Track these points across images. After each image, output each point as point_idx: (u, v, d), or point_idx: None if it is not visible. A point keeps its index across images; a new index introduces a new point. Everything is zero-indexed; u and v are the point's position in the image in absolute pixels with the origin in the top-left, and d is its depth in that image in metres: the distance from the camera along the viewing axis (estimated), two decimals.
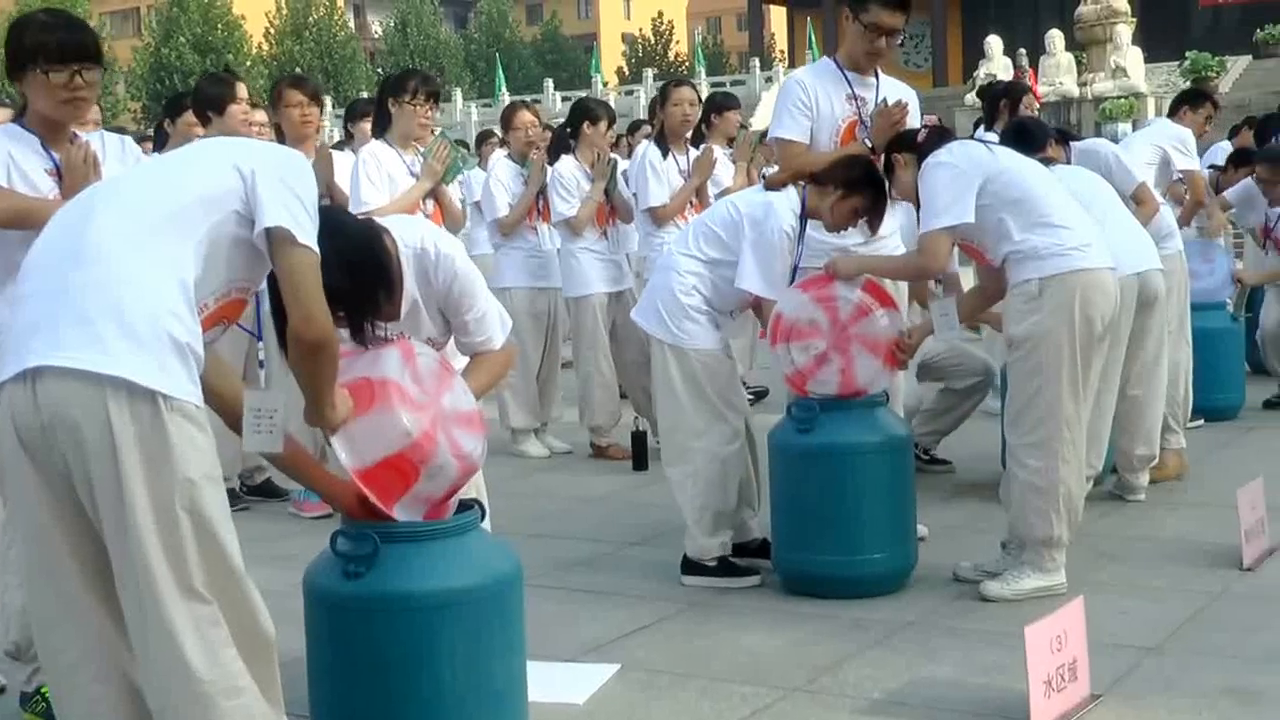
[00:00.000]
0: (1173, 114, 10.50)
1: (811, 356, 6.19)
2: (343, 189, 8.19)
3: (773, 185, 6.65)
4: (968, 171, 6.01)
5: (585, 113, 10.02)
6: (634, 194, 9.86)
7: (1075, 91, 37.10)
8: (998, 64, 38.37)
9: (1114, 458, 7.85)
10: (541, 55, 78.24)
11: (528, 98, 27.83)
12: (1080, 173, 7.81)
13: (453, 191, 8.46)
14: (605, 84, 48.05)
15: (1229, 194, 10.91)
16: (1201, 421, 9.86)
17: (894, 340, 6.28)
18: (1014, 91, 10.52)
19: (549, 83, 55.92)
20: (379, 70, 65.03)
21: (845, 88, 6.84)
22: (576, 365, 10.02)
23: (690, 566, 6.53)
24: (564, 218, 9.66)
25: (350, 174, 8.04)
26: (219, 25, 65.28)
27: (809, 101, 6.80)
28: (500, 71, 55.94)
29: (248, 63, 63.12)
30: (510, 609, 4.46)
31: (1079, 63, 38.33)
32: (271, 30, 70.12)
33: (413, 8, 70.84)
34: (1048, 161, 7.32)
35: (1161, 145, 9.94)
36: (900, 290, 6.86)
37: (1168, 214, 8.71)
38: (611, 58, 79.23)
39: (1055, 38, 37.69)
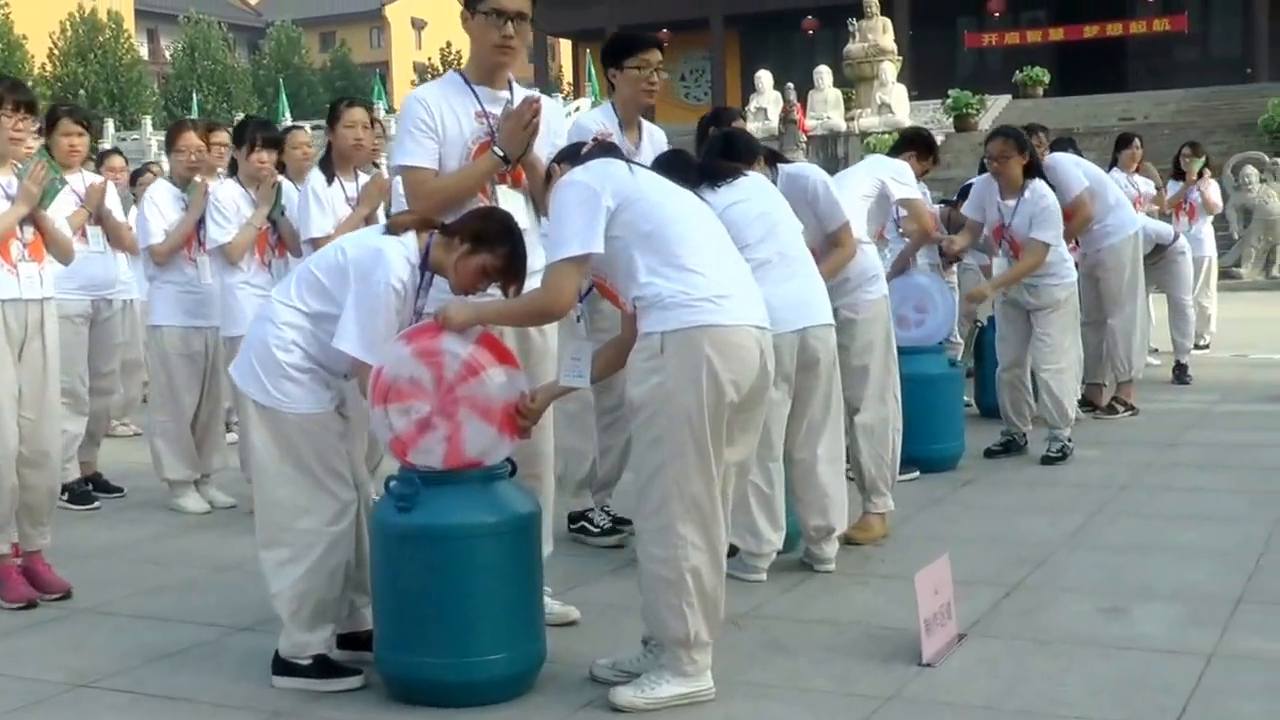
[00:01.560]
0: (896, 153, 9.59)
1: (413, 421, 4.97)
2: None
3: (396, 227, 5.47)
4: (599, 194, 4.91)
5: (251, 133, 8.79)
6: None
7: (842, 126, 37.02)
8: (768, 97, 38.52)
9: (798, 525, 6.84)
10: (331, 82, 76.12)
11: (307, 124, 26.69)
12: (768, 203, 6.81)
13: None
14: (389, 110, 46.48)
15: (970, 210, 9.96)
16: (916, 474, 8.93)
17: (512, 404, 5.11)
18: (721, 119, 9.55)
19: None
20: (169, 94, 63.66)
21: (474, 104, 5.73)
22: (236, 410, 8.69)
23: (282, 666, 5.32)
24: (217, 245, 8.44)
25: None
26: (2, 43, 63.00)
27: (432, 121, 5.66)
28: (283, 97, 54.04)
29: (30, 83, 59.70)
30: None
31: (848, 99, 38.22)
32: (55, 51, 67.97)
33: (200, 33, 69.16)
34: (733, 175, 6.45)
35: (879, 177, 8.96)
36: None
37: (873, 256, 7.67)
38: (403, 86, 77.94)
39: (824, 74, 37.94)
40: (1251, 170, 25.72)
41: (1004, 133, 9.83)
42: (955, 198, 11.76)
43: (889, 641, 5.63)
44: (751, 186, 6.58)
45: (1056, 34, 49.87)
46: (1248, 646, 5.52)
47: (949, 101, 39.09)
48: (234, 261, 8.41)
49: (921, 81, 44.57)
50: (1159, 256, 13.18)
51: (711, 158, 7.11)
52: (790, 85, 35.54)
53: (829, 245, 7.25)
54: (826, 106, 37.58)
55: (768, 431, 6.13)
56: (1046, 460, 9.38)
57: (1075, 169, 11.12)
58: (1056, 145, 12.93)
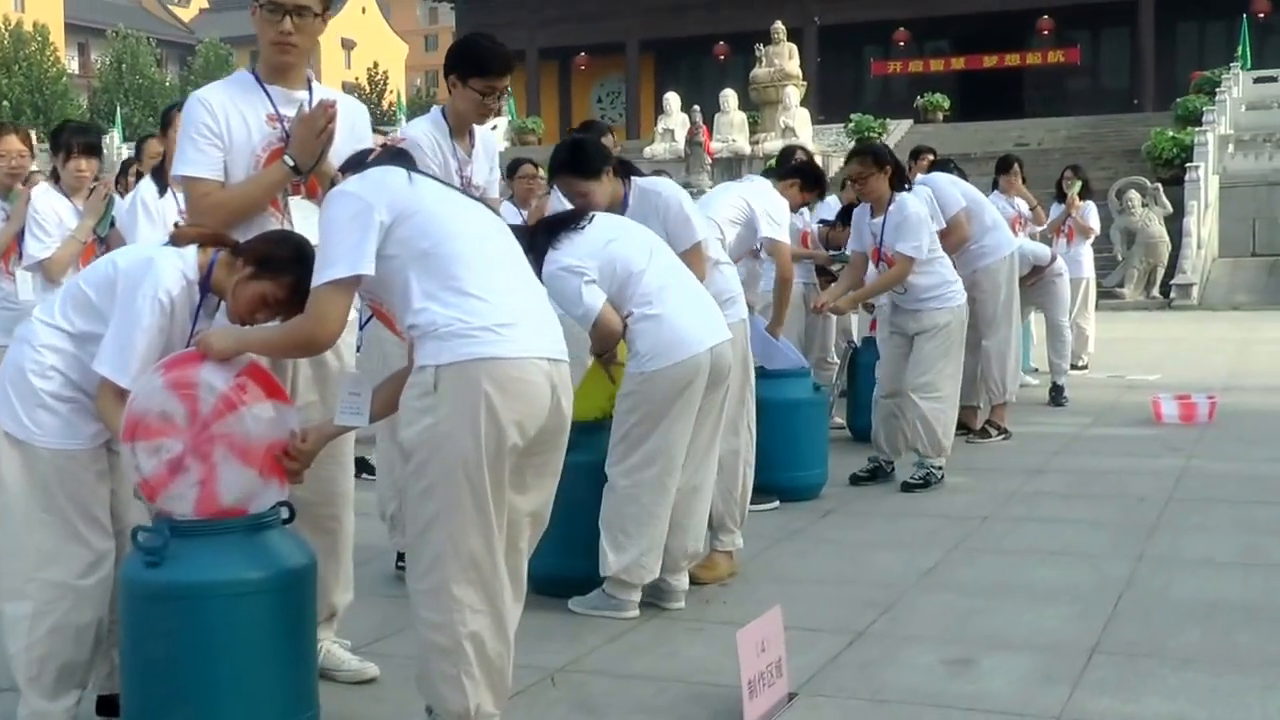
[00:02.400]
0: (782, 178, 8.88)
1: (163, 461, 4.13)
2: None
3: (181, 238, 4.66)
4: (372, 207, 4.10)
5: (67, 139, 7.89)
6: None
7: (747, 149, 36.32)
8: (675, 119, 37.97)
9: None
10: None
11: None
12: (632, 230, 6.15)
13: None
14: None
15: (854, 243, 9.23)
16: (776, 503, 8.21)
17: (280, 444, 4.29)
18: (590, 131, 8.92)
19: None
20: (96, 108, 62.27)
21: (265, 105, 4.94)
22: None
23: None
24: (35, 260, 7.59)
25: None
26: None
27: (217, 126, 4.86)
28: None
29: None
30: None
31: (754, 122, 37.69)
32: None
33: (129, 48, 67.69)
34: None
35: (753, 206, 8.22)
36: None
37: (731, 278, 6.88)
38: None
39: (729, 97, 37.49)
40: (1134, 194, 25.27)
41: (859, 151, 9.18)
42: (834, 219, 11.05)
43: (712, 702, 4.89)
44: (604, 225, 6.04)
45: (958, 63, 49.90)
46: (1097, 708, 4.81)
47: (851, 125, 38.76)
48: (54, 279, 7.46)
49: (828, 107, 44.51)
50: (1037, 278, 12.54)
51: (558, 168, 6.46)
52: (696, 108, 34.87)
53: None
54: (732, 129, 36.88)
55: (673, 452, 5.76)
56: (907, 487, 8.67)
57: (952, 188, 10.48)
58: (935, 166, 12.42)
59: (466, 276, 4.07)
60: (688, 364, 5.81)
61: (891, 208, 8.66)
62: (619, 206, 6.55)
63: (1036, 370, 13.60)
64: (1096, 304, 23.85)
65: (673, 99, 38.84)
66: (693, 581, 6.44)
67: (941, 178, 10.79)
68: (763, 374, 8.39)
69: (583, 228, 5.97)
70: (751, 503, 8.00)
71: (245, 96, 4.94)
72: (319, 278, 4.09)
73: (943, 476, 8.75)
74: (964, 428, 10.65)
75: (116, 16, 76.35)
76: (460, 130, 6.45)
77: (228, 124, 4.86)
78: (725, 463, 6.59)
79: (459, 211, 4.26)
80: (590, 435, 6.11)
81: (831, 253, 10.73)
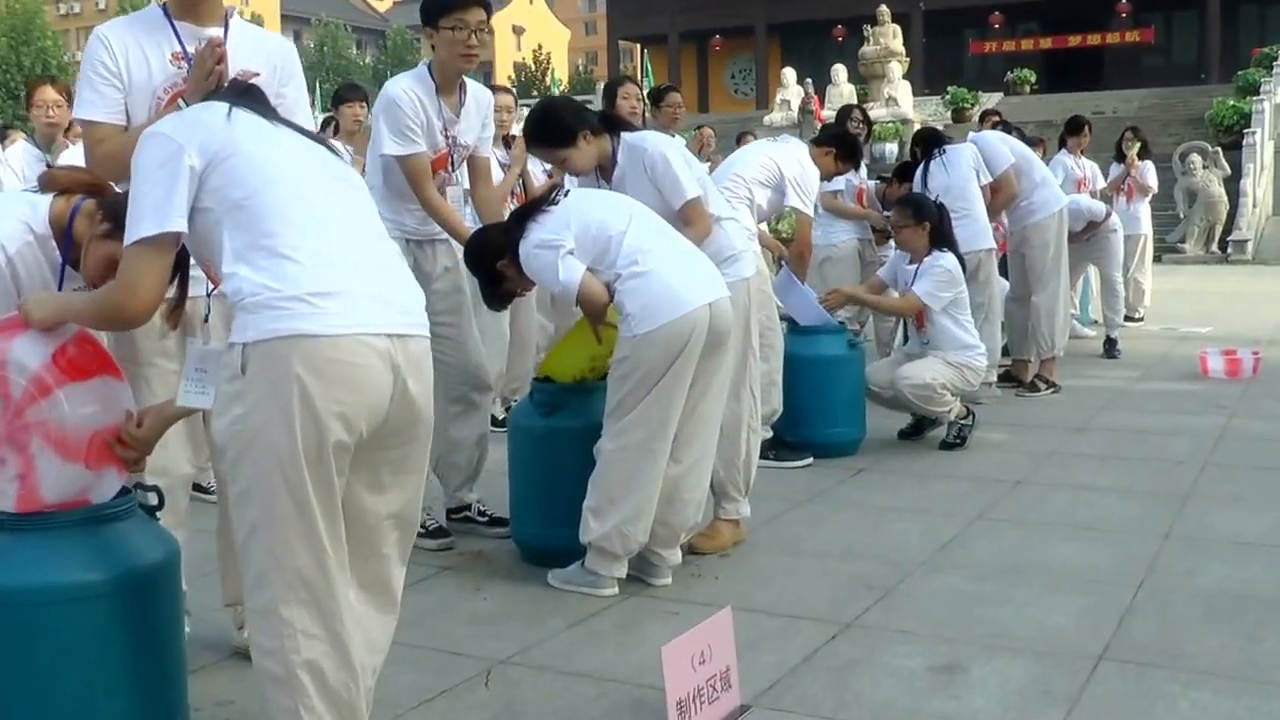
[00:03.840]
0: (821, 144, 7.47)
1: None
2: None
3: (50, 183, 3.45)
4: (183, 149, 2.83)
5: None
6: None
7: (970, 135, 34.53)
8: (791, 91, 36.75)
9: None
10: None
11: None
12: (605, 200, 4.92)
13: None
14: None
15: (884, 274, 7.85)
16: (809, 460, 6.91)
17: (109, 429, 3.06)
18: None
19: None
20: None
21: (171, 42, 3.76)
22: None
23: None
24: None
25: None
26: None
27: (115, 65, 3.69)
28: None
29: None
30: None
31: (862, 95, 36.15)
32: None
33: (329, 33, 67.67)
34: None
35: (785, 173, 6.85)
36: None
37: (735, 234, 5.51)
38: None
39: (839, 71, 36.23)
40: (1196, 157, 23.23)
41: (905, 201, 7.69)
42: (891, 176, 9.62)
43: (649, 713, 3.62)
44: (578, 195, 4.88)
45: (1046, 42, 47.80)
46: None
47: (948, 97, 37.10)
48: None
49: (932, 82, 42.91)
50: (1092, 233, 10.98)
51: (530, 137, 5.25)
52: (809, 80, 33.44)
53: (680, 224, 5.21)
54: (841, 99, 35.03)
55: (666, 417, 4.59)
56: (945, 446, 7.29)
57: (1001, 145, 9.04)
58: (996, 128, 10.98)
59: (283, 233, 2.78)
60: (682, 322, 4.52)
61: (928, 259, 7.29)
62: (608, 165, 5.27)
63: (1096, 322, 12.03)
64: (1159, 258, 22.18)
65: (789, 73, 37.53)
66: (693, 551, 5.21)
67: (991, 135, 9.35)
68: (795, 329, 7.09)
69: (556, 202, 4.74)
70: (784, 459, 6.77)
71: (150, 33, 3.76)
72: (128, 237, 2.84)
73: (972, 428, 7.34)
74: (1014, 380, 9.25)
75: (321, 7, 76.38)
76: (448, 86, 5.26)
77: (127, 62, 3.72)
78: (727, 428, 5.29)
79: (284, 154, 2.94)
80: (574, 397, 4.98)
81: (886, 214, 9.29)
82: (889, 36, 36.31)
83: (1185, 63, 46.04)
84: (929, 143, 8.93)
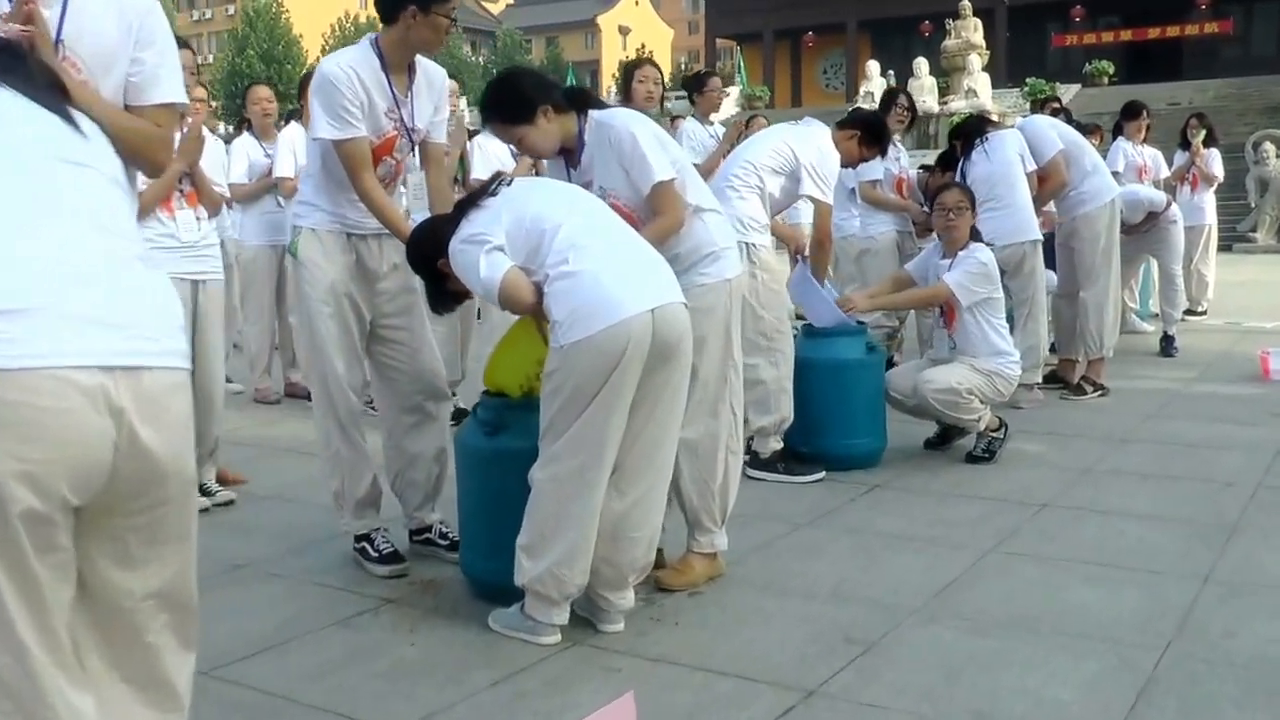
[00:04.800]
0: (844, 127, 6.41)
1: None
2: None
3: None
4: None
5: None
6: None
7: (936, 108, 33.40)
8: (874, 83, 35.46)
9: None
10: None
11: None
12: (540, 191, 4.01)
13: None
14: None
15: (911, 268, 6.85)
16: (822, 474, 5.98)
17: None
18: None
19: None
20: None
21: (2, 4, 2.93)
22: None
23: None
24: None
25: None
26: (282, 41, 61.53)
27: None
28: None
29: (304, 71, 61.05)
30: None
31: (943, 88, 34.97)
32: (327, 46, 65.76)
33: None
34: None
35: (801, 159, 5.90)
36: None
37: (717, 227, 4.54)
38: (610, 81, 75.87)
39: (921, 64, 34.79)
40: (1269, 146, 21.59)
41: (949, 185, 6.74)
42: (934, 165, 8.59)
43: None
44: (516, 186, 3.98)
45: (1126, 35, 45.81)
46: None
47: (1026, 89, 35.58)
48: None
49: (1016, 75, 41.55)
50: (1151, 224, 9.85)
51: (484, 111, 4.37)
52: (890, 72, 32.24)
53: (649, 212, 4.31)
54: (923, 91, 33.80)
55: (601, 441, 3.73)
56: (971, 459, 6.31)
57: (1050, 131, 7.98)
58: (1054, 115, 9.96)
59: None
60: (616, 330, 3.61)
61: (963, 252, 6.31)
62: (575, 148, 4.38)
63: (1155, 316, 10.88)
64: (1229, 247, 20.74)
65: (873, 66, 36.45)
66: (660, 587, 4.32)
67: (1040, 120, 8.30)
68: (810, 332, 6.16)
69: (495, 194, 3.86)
70: (795, 473, 5.85)
71: None
72: None
73: (1003, 441, 6.34)
74: (1060, 381, 8.20)
75: None
76: (398, 65, 4.37)
77: None
78: (702, 448, 4.42)
79: (19, 130, 2.06)
80: (521, 414, 4.08)
81: (923, 206, 8.27)
82: (970, 30, 35.13)
83: (1264, 54, 43.95)
84: (971, 135, 7.88)
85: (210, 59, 64.74)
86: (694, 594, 4.35)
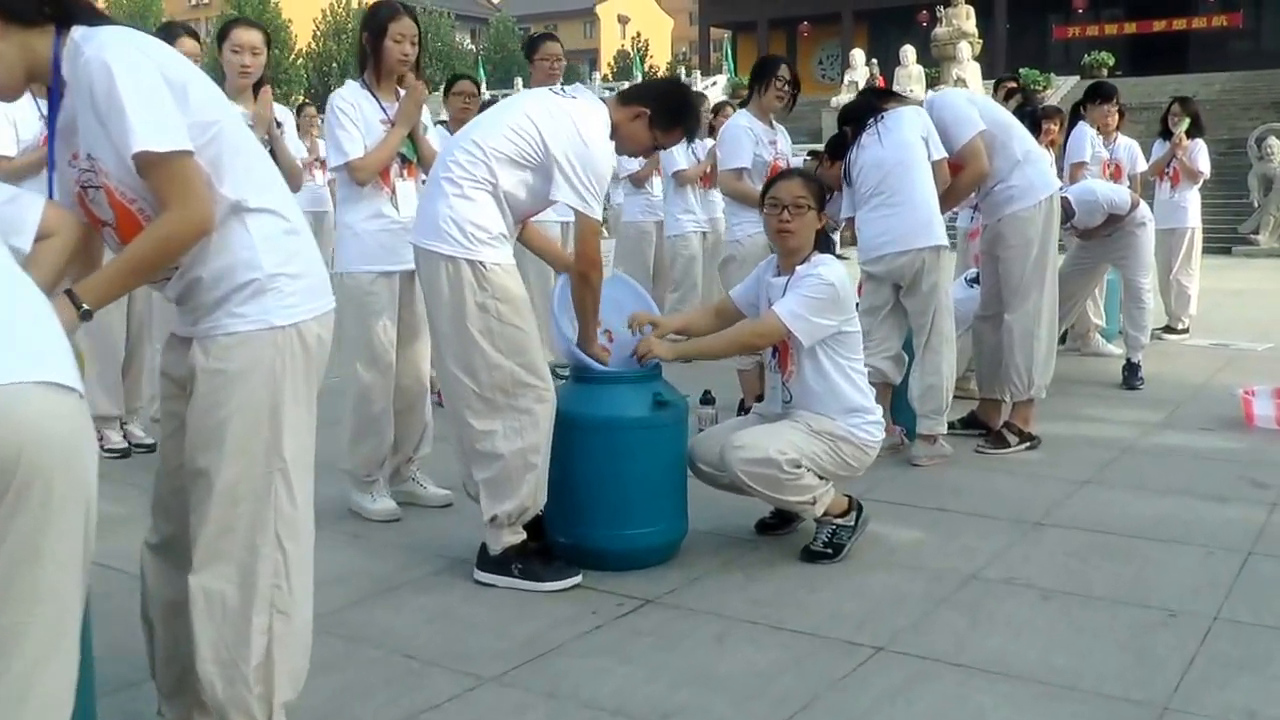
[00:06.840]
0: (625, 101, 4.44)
1: None
2: None
3: None
4: None
5: None
6: None
7: (922, 97, 31.59)
8: (859, 72, 34.06)
9: None
10: None
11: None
12: None
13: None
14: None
15: (738, 295, 4.89)
16: (577, 578, 4.09)
17: None
18: None
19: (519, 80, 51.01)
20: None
21: None
22: None
23: None
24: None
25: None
26: (270, 27, 60.32)
27: None
28: (482, 70, 49.74)
29: (292, 56, 60.46)
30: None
31: (933, 77, 33.40)
32: (317, 31, 65.13)
33: (432, 21, 66.19)
34: None
35: (547, 144, 4.01)
36: None
37: (268, 241, 2.63)
38: (603, 69, 74.37)
39: (908, 52, 33.45)
40: (1274, 141, 19.48)
41: (805, 175, 4.84)
42: (823, 151, 6.65)
43: None
44: None
45: (1130, 27, 44.29)
46: None
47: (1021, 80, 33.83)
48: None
49: (1014, 66, 39.59)
50: (1114, 228, 7.91)
51: None
52: (875, 61, 30.81)
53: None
54: (909, 80, 32.17)
55: None
56: (807, 555, 4.42)
57: (967, 107, 6.12)
58: (1012, 94, 8.22)
59: None
60: None
61: (802, 267, 4.46)
62: (47, 81, 2.52)
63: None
64: (1229, 250, 18.76)
65: (858, 54, 35.16)
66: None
67: (954, 93, 6.45)
68: (580, 377, 4.32)
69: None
70: (537, 577, 4.02)
71: None
72: None
73: (857, 526, 4.46)
74: (979, 426, 6.32)
75: None
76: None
77: None
78: (229, 604, 2.53)
79: None
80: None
81: None
82: (961, 17, 33.60)
83: (1275, 48, 42.20)
84: (863, 115, 5.98)
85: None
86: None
